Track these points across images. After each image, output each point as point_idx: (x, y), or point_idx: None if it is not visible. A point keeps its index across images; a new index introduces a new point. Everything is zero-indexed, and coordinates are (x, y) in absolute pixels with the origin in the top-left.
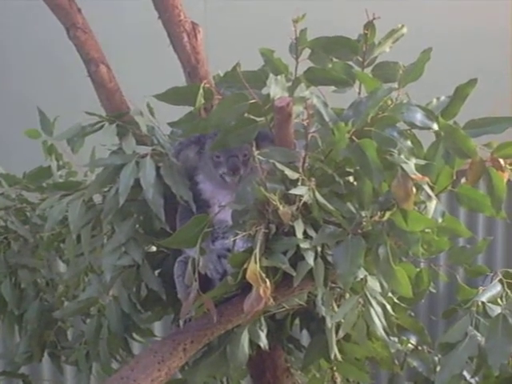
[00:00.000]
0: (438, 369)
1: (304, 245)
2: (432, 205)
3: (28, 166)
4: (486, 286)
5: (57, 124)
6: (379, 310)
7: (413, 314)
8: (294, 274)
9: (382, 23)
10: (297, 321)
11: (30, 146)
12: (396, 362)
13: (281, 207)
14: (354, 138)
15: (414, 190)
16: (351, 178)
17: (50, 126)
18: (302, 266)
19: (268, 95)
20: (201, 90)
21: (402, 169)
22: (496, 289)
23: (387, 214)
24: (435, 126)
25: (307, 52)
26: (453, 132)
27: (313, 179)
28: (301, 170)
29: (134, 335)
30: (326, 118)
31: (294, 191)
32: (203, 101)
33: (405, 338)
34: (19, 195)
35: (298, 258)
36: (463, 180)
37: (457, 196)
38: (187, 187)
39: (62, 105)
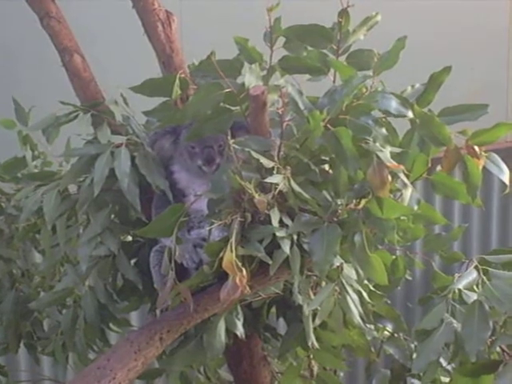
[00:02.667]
0: (415, 356)
1: (280, 233)
2: (407, 192)
3: (2, 157)
4: (462, 273)
5: (32, 114)
6: (355, 297)
7: (389, 301)
8: (270, 262)
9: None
10: (273, 309)
11: (4, 136)
12: (372, 349)
13: (256, 196)
14: (329, 126)
15: (390, 177)
16: (327, 167)
17: (25, 116)
18: (278, 254)
19: (243, 84)
20: (177, 81)
21: (378, 157)
22: (472, 276)
23: (363, 202)
24: (410, 114)
25: (282, 40)
26: (428, 120)
27: (288, 167)
28: (276, 159)
29: (111, 325)
30: (301, 107)
31: (269, 180)
32: (179, 91)
33: (381, 326)
34: None
35: (274, 246)
36: (438, 167)
37: (432, 183)
38: (163, 176)
39: (38, 94)
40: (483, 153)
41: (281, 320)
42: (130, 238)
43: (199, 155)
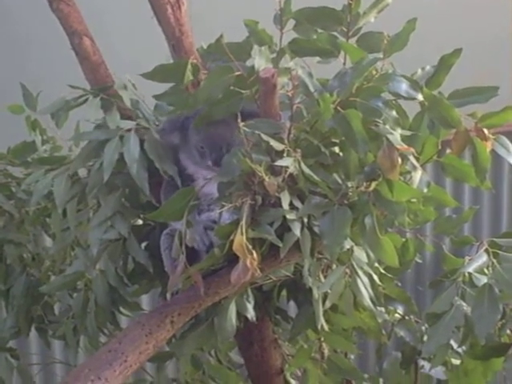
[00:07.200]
0: (425, 338)
1: (290, 216)
2: (417, 175)
3: (12, 142)
4: (472, 256)
5: (40, 98)
6: (366, 280)
7: (399, 283)
8: (281, 245)
9: None
10: (284, 292)
11: (13, 121)
12: (383, 331)
13: (267, 178)
14: (339, 108)
15: (400, 160)
16: (337, 149)
17: (34, 101)
18: (289, 237)
19: (252, 67)
20: (189, 66)
21: (388, 139)
22: (482, 259)
23: (373, 185)
24: (420, 97)
25: (292, 23)
26: (437, 102)
27: (298, 150)
28: (286, 141)
29: (122, 309)
30: (311, 89)
31: (279, 162)
32: (191, 77)
33: (392, 308)
34: (4, 170)
35: (284, 229)
36: (448, 150)
37: (442, 166)
38: (171, 162)
39: (45, 79)
40: (491, 135)
41: (291, 303)
42: (140, 222)
43: (208, 156)
